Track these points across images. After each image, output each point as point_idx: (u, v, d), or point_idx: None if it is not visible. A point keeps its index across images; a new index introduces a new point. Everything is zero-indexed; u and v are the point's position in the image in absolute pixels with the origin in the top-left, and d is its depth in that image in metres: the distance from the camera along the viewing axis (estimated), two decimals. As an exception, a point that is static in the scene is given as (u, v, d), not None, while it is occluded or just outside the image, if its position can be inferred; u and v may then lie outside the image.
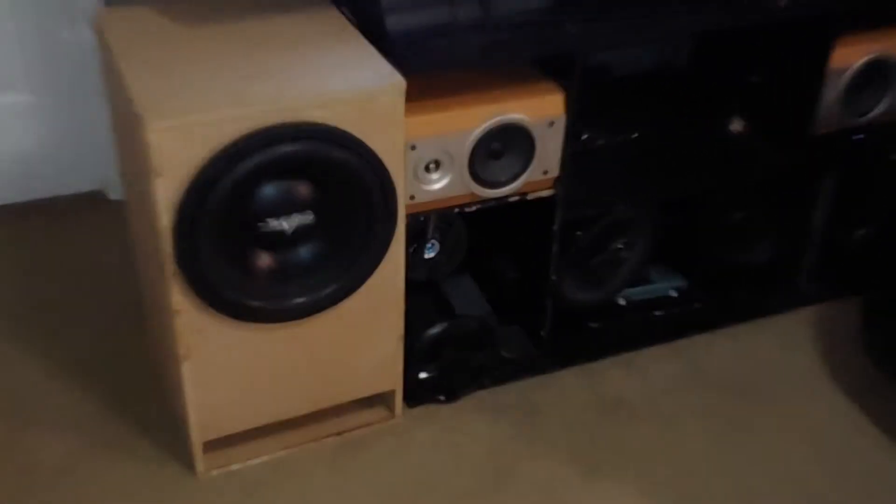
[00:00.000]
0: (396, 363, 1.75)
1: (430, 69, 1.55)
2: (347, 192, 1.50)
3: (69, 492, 1.66)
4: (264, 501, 1.67)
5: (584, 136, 1.79)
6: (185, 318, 1.51)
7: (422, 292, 1.98)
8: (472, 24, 1.59)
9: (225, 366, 1.59)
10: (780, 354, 2.04)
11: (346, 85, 1.45)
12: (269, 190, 1.46)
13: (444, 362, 1.82)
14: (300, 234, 1.51)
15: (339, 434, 1.79)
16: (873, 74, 1.88)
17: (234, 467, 1.73)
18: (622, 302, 2.08)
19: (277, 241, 1.50)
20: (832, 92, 1.87)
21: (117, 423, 1.79)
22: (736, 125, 2.05)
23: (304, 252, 1.53)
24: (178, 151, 1.36)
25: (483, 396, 1.89)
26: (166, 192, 1.38)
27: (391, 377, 1.77)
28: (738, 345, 2.05)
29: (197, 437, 1.66)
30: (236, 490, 1.69)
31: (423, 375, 1.81)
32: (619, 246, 1.90)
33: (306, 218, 1.50)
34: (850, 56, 1.85)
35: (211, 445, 1.70)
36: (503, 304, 2.02)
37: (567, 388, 1.93)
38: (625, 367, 1.98)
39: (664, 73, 2.10)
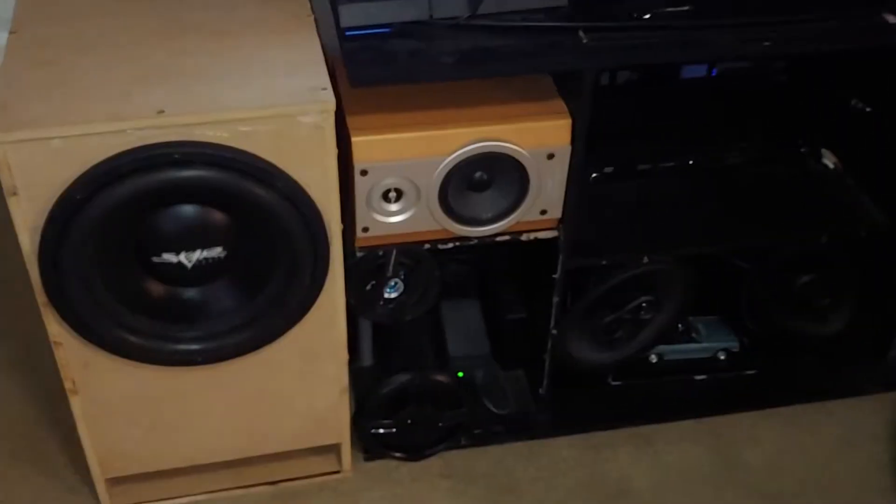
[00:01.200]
0: (340, 416, 1.47)
1: (384, 83, 1.22)
2: (263, 228, 1.20)
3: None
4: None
5: (595, 175, 1.40)
6: (66, 351, 1.27)
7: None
8: (452, 23, 1.24)
9: (121, 404, 1.35)
10: (845, 451, 1.62)
11: (258, 99, 1.13)
12: (167, 218, 1.18)
13: (405, 418, 1.52)
14: (204, 272, 1.23)
15: (273, 483, 1.54)
16: None
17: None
18: (653, 359, 1.70)
19: (176, 277, 1.23)
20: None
21: (34, 444, 1.59)
22: (827, 159, 1.61)
23: (208, 293, 1.25)
24: (37, 169, 1.09)
25: (454, 458, 1.59)
26: (24, 215, 1.13)
27: (334, 431, 1.49)
28: (790, 432, 1.64)
29: (97, 473, 1.44)
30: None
31: (378, 431, 1.52)
32: (642, 304, 1.53)
33: (213, 253, 1.22)
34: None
35: (123, 480, 1.48)
36: (506, 346, 1.69)
37: (560, 461, 1.59)
38: (639, 444, 1.62)
39: (718, 86, 1.68)
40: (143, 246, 1.19)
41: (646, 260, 1.47)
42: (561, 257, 1.43)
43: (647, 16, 1.25)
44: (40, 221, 1.13)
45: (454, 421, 1.55)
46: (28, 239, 1.15)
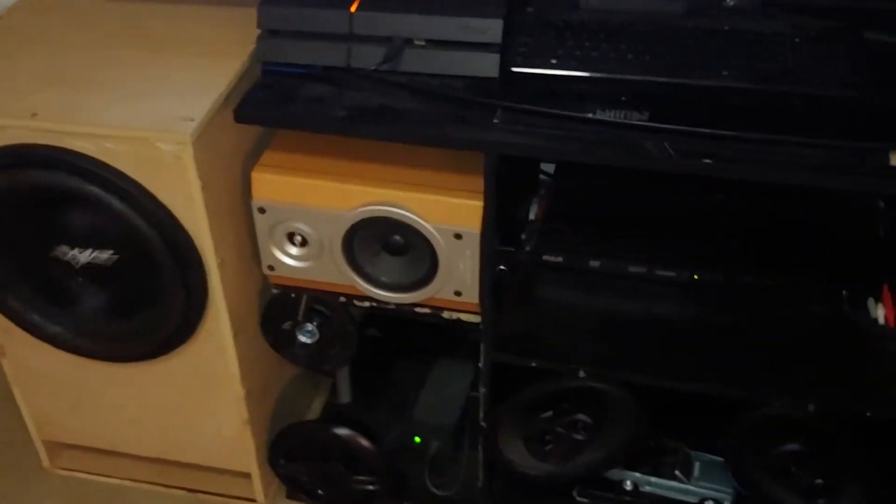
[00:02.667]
0: (246, 448, 1.44)
1: (265, 125, 1.16)
2: (133, 246, 1.20)
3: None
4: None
5: (502, 267, 1.23)
6: (-11, 316, 1.36)
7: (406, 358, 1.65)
8: (366, 75, 1.16)
9: (45, 374, 1.42)
10: None
11: (129, 119, 1.12)
12: (73, 214, 1.21)
13: (318, 468, 1.46)
14: (91, 273, 1.26)
15: (191, 491, 1.55)
16: None
17: (81, 475, 1.58)
18: (627, 485, 1.49)
19: (67, 270, 1.26)
20: None
21: None
22: (875, 312, 1.30)
23: (91, 290, 1.28)
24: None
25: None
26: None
27: (242, 460, 1.46)
28: None
29: (34, 433, 1.54)
30: (69, 494, 1.55)
31: (285, 472, 1.48)
32: (576, 422, 1.34)
33: (103, 256, 1.24)
34: None
35: (66, 448, 1.57)
36: (466, 424, 1.56)
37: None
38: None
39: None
40: (43, 237, 1.24)
41: (582, 374, 1.28)
42: (482, 346, 1.29)
43: (591, 114, 1.08)
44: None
45: (364, 487, 1.46)
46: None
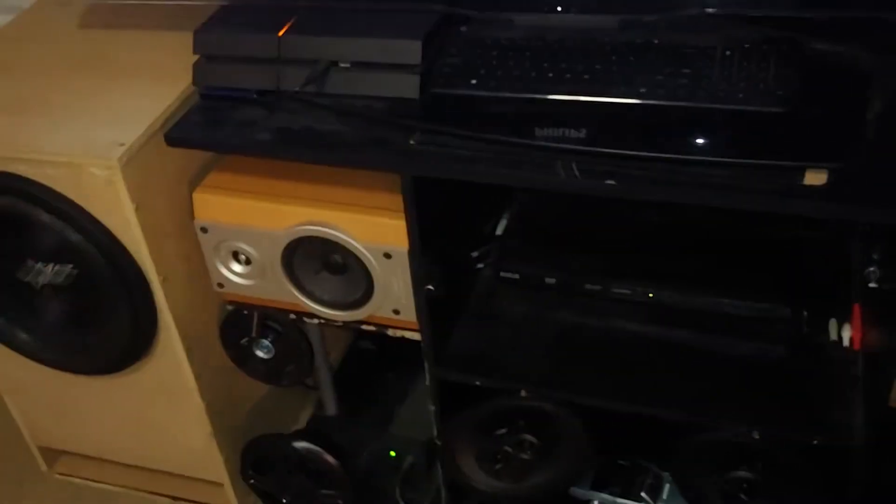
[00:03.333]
0: (213, 458, 1.48)
1: (194, 147, 1.19)
2: (81, 265, 1.25)
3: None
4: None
5: (430, 287, 1.22)
6: (-27, 328, 1.44)
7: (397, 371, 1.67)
8: (293, 97, 1.18)
9: (30, 384, 1.50)
10: None
11: (65, 144, 1.17)
12: (34, 234, 1.27)
13: (286, 481, 1.49)
14: (53, 288, 1.32)
15: (173, 499, 1.60)
16: None
17: (76, 480, 1.66)
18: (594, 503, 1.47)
19: (33, 287, 1.33)
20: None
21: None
22: (838, 333, 1.25)
23: (51, 308, 1.34)
24: None
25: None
26: None
27: (212, 471, 1.51)
28: None
29: (29, 439, 1.62)
30: (65, 499, 1.63)
31: (256, 484, 1.51)
32: (522, 442, 1.32)
33: (64, 272, 1.29)
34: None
35: (62, 454, 1.65)
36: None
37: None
38: None
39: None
40: (10, 250, 1.31)
41: (523, 394, 1.27)
42: (426, 364, 1.30)
43: (499, 135, 1.07)
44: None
45: (330, 502, 1.48)
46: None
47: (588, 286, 1.34)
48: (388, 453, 1.58)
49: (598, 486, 1.47)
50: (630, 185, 1.01)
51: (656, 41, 1.13)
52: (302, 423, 1.69)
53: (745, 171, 1.00)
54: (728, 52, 1.10)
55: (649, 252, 1.34)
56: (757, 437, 1.19)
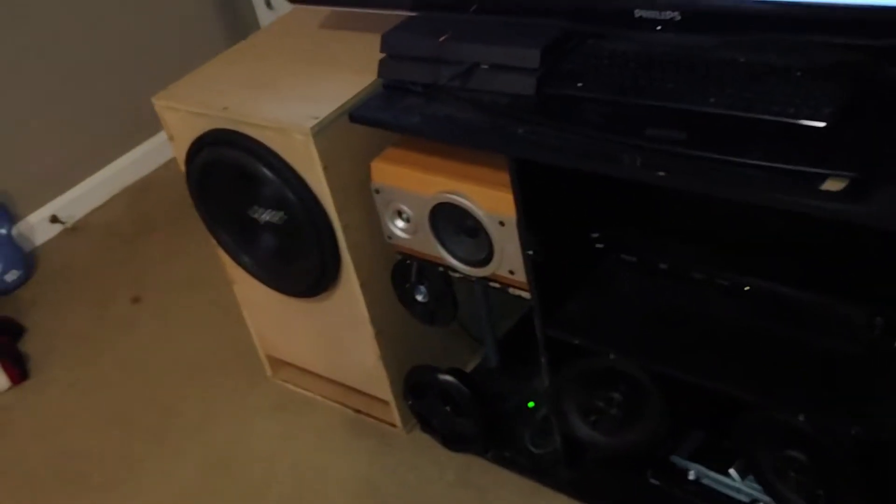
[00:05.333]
0: (381, 378, 1.83)
1: (367, 124, 1.53)
2: (287, 210, 1.65)
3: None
4: (282, 418, 2.03)
5: (530, 252, 1.44)
6: (222, 251, 1.90)
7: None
8: (451, 89, 1.48)
9: (258, 300, 1.94)
10: None
11: (282, 115, 1.57)
12: (256, 182, 1.70)
13: (428, 408, 1.81)
14: (269, 226, 1.73)
15: (356, 411, 1.97)
16: None
17: (290, 387, 2.09)
18: (691, 475, 1.63)
19: (256, 223, 1.75)
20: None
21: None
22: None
23: (267, 240, 1.75)
24: (179, 126, 1.73)
25: (477, 465, 1.81)
26: (178, 152, 1.77)
27: (380, 388, 1.86)
28: None
29: (259, 347, 2.07)
30: (278, 399, 2.07)
31: (411, 403, 1.84)
32: (611, 400, 1.52)
33: (277, 215, 1.70)
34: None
35: (284, 364, 2.09)
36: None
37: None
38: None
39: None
40: (241, 198, 1.74)
41: (612, 356, 1.48)
42: (535, 321, 1.55)
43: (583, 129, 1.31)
44: (183, 157, 1.76)
45: (465, 430, 1.77)
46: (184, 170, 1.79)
47: (695, 274, 1.52)
48: (528, 404, 1.84)
49: (694, 458, 1.63)
50: (676, 178, 1.21)
51: (742, 59, 1.31)
52: (467, 369, 1.99)
53: (771, 173, 1.17)
54: (799, 73, 1.26)
55: (752, 249, 1.49)
56: (802, 419, 1.32)
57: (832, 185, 1.13)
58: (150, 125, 2.40)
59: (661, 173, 1.22)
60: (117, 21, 2.89)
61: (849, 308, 1.38)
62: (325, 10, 1.88)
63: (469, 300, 1.80)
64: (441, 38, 1.48)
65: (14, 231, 2.70)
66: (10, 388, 2.28)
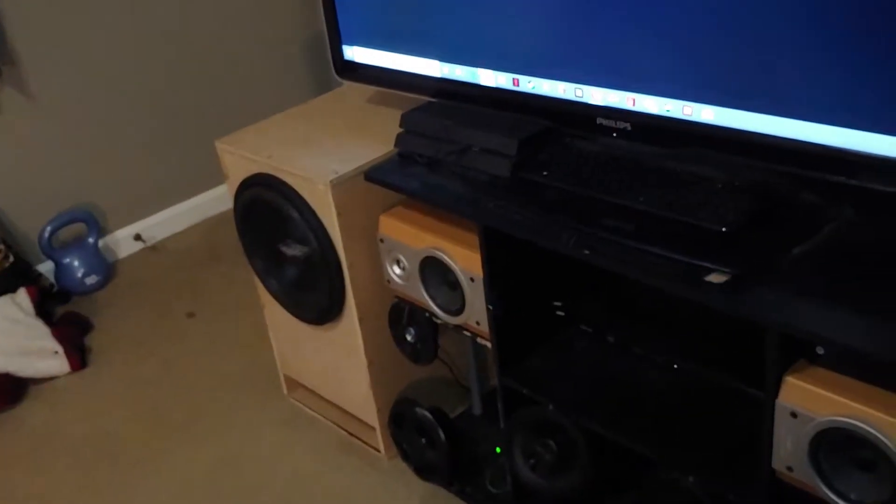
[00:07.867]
0: (370, 406, 2.10)
1: (374, 182, 1.83)
2: (308, 244, 1.97)
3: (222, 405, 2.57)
4: (288, 431, 2.32)
5: (489, 307, 1.70)
6: (257, 280, 2.22)
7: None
8: (448, 161, 1.78)
9: (282, 323, 2.25)
10: None
11: (311, 167, 1.90)
12: (287, 220, 2.02)
13: (406, 435, 2.06)
14: (292, 259, 2.05)
15: (349, 433, 2.25)
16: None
17: (300, 405, 2.38)
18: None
19: (283, 255, 2.07)
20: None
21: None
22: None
23: (291, 270, 2.07)
24: (233, 167, 2.07)
25: (444, 498, 2.05)
26: (231, 189, 2.11)
27: (369, 415, 2.12)
28: None
29: (279, 364, 2.37)
30: (290, 416, 2.36)
31: (392, 431, 2.10)
32: (546, 447, 1.75)
33: (299, 250, 2.02)
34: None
35: (299, 385, 2.38)
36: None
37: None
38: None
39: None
40: (275, 233, 2.06)
41: (551, 408, 1.72)
42: (495, 369, 1.81)
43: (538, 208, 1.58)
44: (233, 194, 2.10)
45: (431, 460, 2.02)
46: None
47: (636, 349, 1.76)
48: (496, 449, 2.08)
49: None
50: (598, 257, 1.47)
51: (677, 168, 1.57)
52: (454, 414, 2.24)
53: (671, 263, 1.41)
54: (720, 185, 1.51)
55: (684, 331, 1.73)
56: (691, 480, 1.53)
57: (715, 278, 1.37)
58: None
59: (587, 252, 1.48)
60: (219, 69, 3.31)
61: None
62: (372, 88, 2.21)
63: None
64: (446, 122, 1.78)
65: (101, 242, 3.10)
66: (70, 374, 2.64)
